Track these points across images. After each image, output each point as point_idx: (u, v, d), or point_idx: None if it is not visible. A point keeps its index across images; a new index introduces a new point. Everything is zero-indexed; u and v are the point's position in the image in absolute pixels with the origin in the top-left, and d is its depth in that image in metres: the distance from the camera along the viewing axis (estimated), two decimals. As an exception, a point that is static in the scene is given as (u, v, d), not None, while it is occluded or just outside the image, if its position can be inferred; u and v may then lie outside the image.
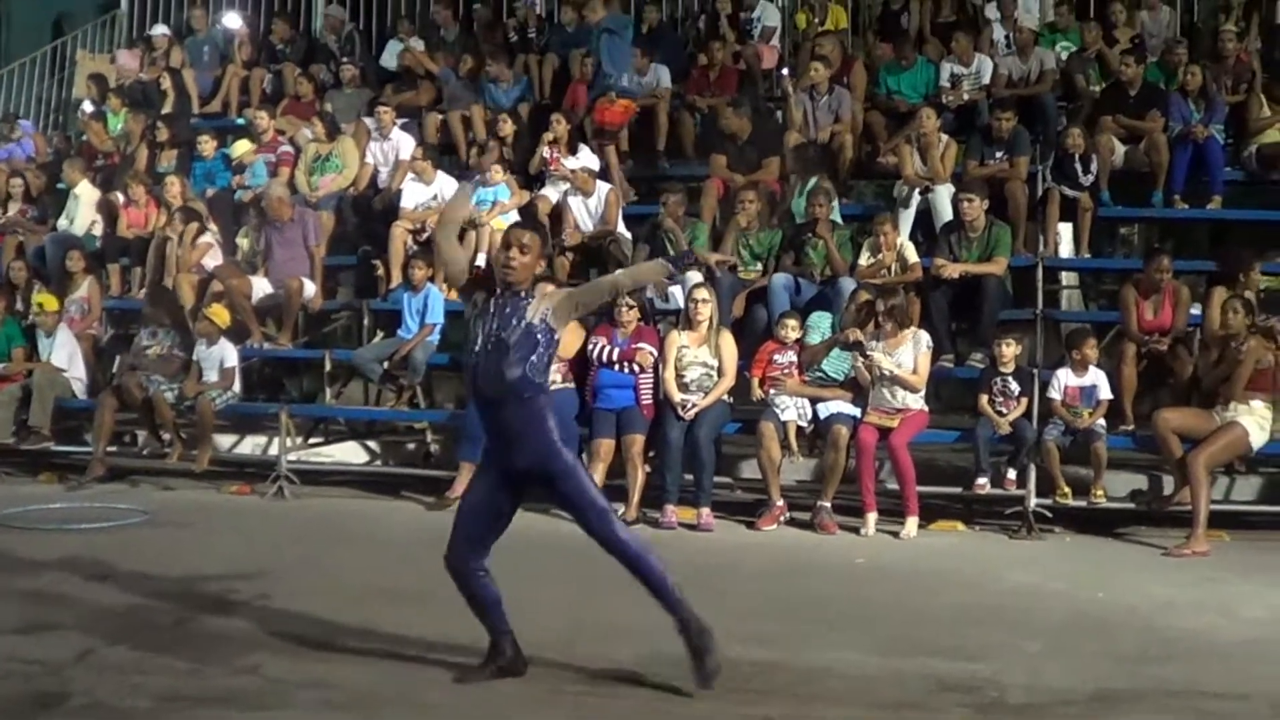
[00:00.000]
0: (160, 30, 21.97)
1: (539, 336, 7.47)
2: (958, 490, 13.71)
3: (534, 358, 7.47)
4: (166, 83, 20.40)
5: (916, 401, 13.06)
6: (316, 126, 18.27)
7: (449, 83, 19.21)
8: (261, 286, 16.47)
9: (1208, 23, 20.01)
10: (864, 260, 14.66)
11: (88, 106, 20.96)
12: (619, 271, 7.66)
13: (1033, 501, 12.87)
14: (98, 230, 18.29)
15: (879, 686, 7.77)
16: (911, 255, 14.62)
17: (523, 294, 7.56)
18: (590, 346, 13.68)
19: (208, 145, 18.72)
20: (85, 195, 18.55)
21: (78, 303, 17.00)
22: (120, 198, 18.16)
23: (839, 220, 15.39)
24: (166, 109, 20.06)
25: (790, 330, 13.59)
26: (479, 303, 7.71)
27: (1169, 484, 13.08)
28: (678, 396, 13.23)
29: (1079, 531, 12.95)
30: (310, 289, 16.48)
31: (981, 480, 13.03)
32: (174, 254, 16.97)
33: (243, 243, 17.30)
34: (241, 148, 18.31)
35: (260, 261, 16.69)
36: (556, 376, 13.43)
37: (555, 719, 7.08)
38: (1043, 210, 15.82)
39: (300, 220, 16.58)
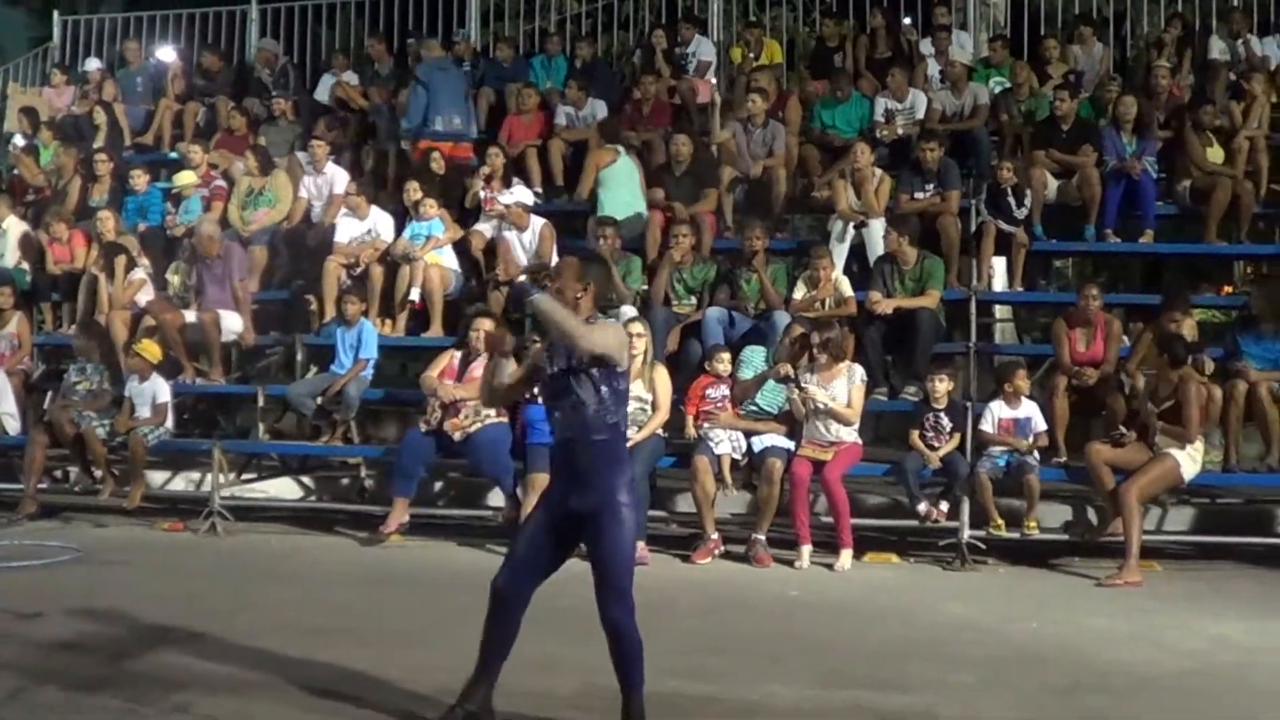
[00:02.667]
0: (94, 64, 21.89)
1: (597, 376, 7.28)
2: (892, 523, 13.78)
3: (598, 397, 7.30)
4: (100, 117, 20.31)
5: (850, 434, 13.09)
6: (250, 160, 18.19)
7: (382, 117, 19.17)
8: (190, 321, 16.34)
9: (1140, 58, 20.23)
10: (799, 294, 14.70)
11: (19, 140, 20.84)
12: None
13: (966, 533, 12.92)
14: (26, 266, 18.14)
15: (814, 720, 7.78)
16: (846, 289, 14.68)
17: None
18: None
19: (140, 179, 18.63)
20: (13, 230, 18.42)
21: (7, 338, 16.82)
22: (45, 234, 18.03)
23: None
24: (99, 143, 19.94)
25: (723, 364, 13.61)
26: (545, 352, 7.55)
27: (1101, 515, 13.15)
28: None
29: (1012, 563, 13.00)
30: (236, 323, 16.36)
31: (922, 506, 13.04)
32: (105, 290, 16.87)
33: (173, 279, 17.22)
34: (184, 179, 18.19)
35: (192, 297, 16.60)
36: (490, 414, 13.44)
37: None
38: (977, 244, 15.88)
39: (227, 255, 16.47)
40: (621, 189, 16.71)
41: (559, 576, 7.47)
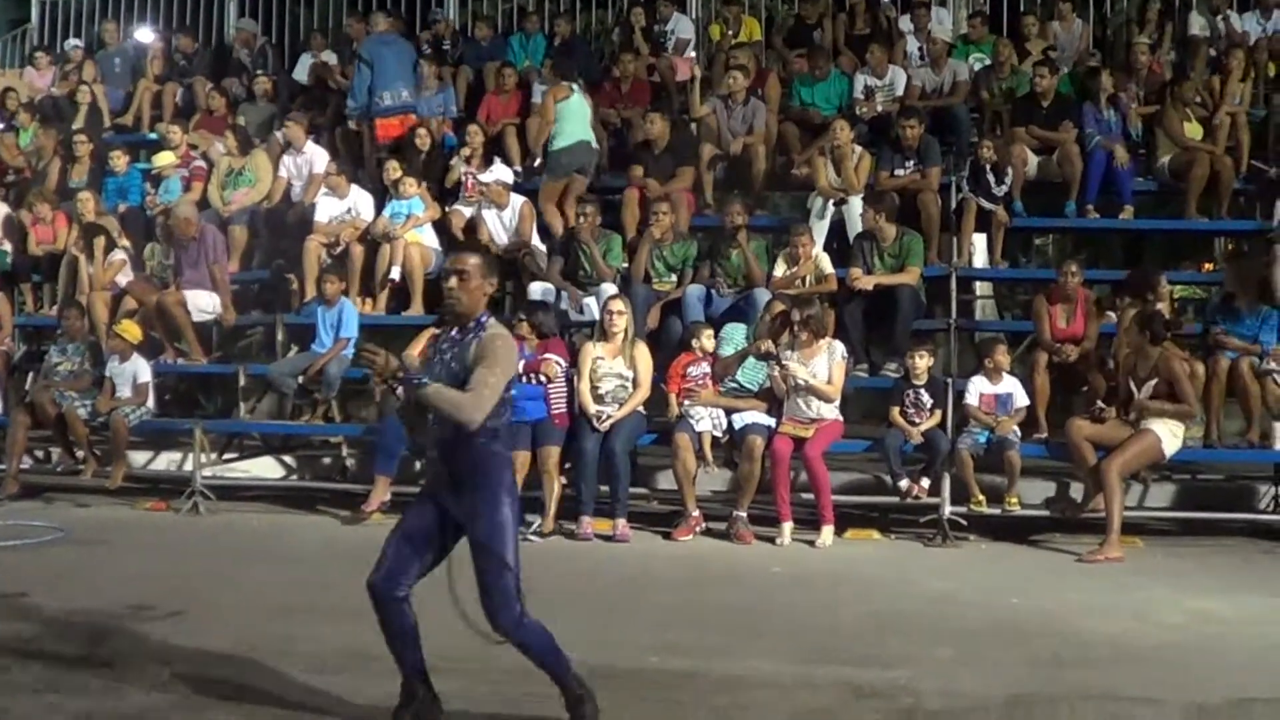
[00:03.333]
0: (75, 44, 21.82)
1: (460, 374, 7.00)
2: (873, 499, 13.82)
3: None
4: (84, 96, 20.25)
5: (831, 411, 13.11)
6: (229, 140, 18.14)
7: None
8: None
9: (1120, 35, 20.22)
10: (779, 271, 14.69)
11: (-3, 122, 20.80)
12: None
13: (947, 510, 12.96)
14: (8, 247, 18.10)
15: (796, 695, 7.77)
16: (826, 266, 14.68)
17: (471, 327, 7.10)
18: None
19: (119, 160, 18.59)
20: (-6, 211, 18.40)
21: (-12, 320, 16.84)
22: (28, 215, 17.98)
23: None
24: (78, 123, 19.88)
25: (705, 340, 13.61)
26: (432, 345, 7.41)
27: (1082, 491, 13.17)
28: (593, 408, 13.25)
29: (994, 539, 13.04)
30: (209, 303, 16.33)
31: (904, 483, 13.08)
32: (85, 271, 16.84)
33: (151, 260, 17.20)
34: (164, 159, 18.15)
35: (170, 277, 16.57)
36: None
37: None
38: (958, 220, 15.89)
39: (202, 237, 16.43)
40: (573, 122, 16.81)
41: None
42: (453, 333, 7.21)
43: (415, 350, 14.08)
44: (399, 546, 7.25)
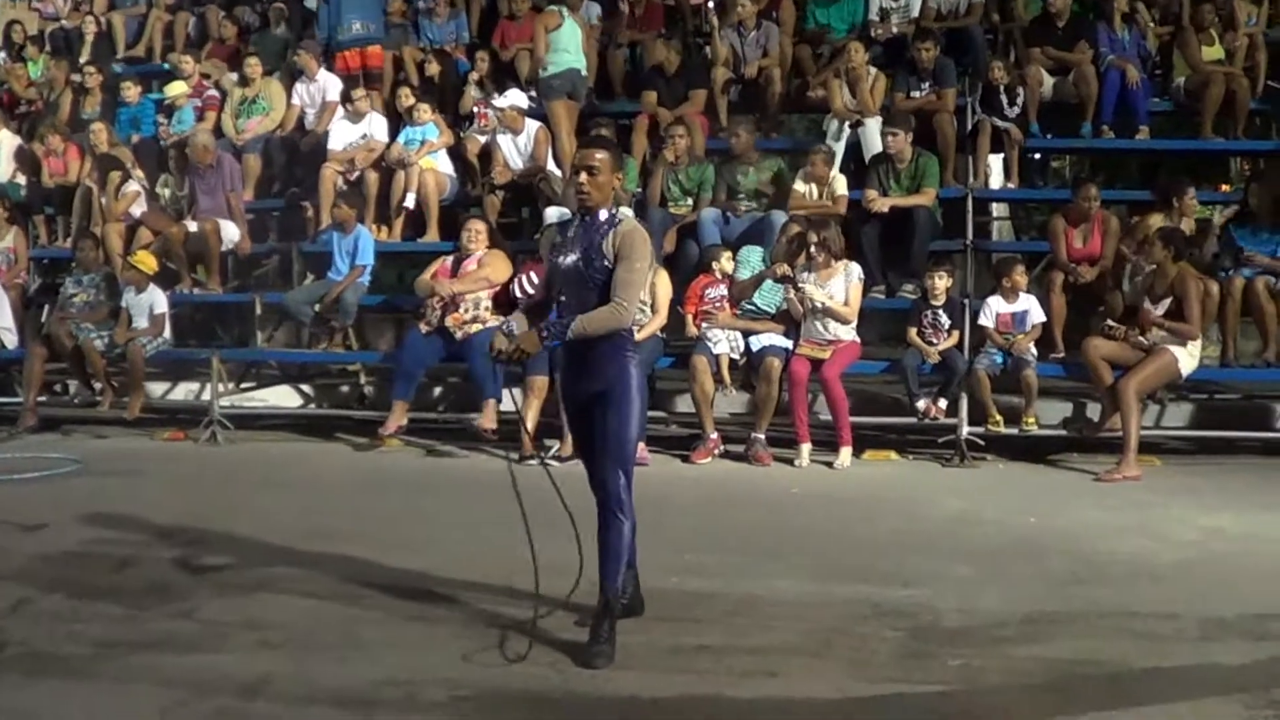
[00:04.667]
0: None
1: (606, 265, 7.12)
2: (891, 420, 13.84)
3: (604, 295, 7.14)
4: (89, 27, 20.20)
5: (848, 333, 13.10)
6: (243, 69, 18.10)
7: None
8: (190, 231, 16.32)
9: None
10: (799, 189, 14.64)
11: (4, 55, 20.75)
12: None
13: (965, 430, 12.97)
14: (21, 180, 18.09)
15: (814, 613, 7.79)
16: (841, 188, 14.63)
17: (604, 219, 7.21)
18: (516, 283, 13.64)
19: (131, 90, 18.56)
20: (6, 144, 18.40)
21: (4, 253, 16.83)
22: (40, 147, 17.98)
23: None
24: (85, 56, 19.85)
25: (725, 262, 13.60)
26: (557, 234, 7.45)
27: (1099, 411, 13.17)
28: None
29: (1011, 459, 13.06)
30: (233, 232, 16.35)
31: (921, 403, 13.10)
32: (99, 203, 16.85)
33: (164, 190, 17.21)
34: (176, 89, 18.14)
35: (185, 207, 16.58)
36: (487, 314, 13.48)
37: (488, 657, 7.05)
38: (973, 142, 15.83)
39: (219, 166, 16.44)
40: (565, 49, 16.67)
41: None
42: (584, 220, 7.30)
43: (429, 274, 14.10)
44: (586, 451, 7.45)
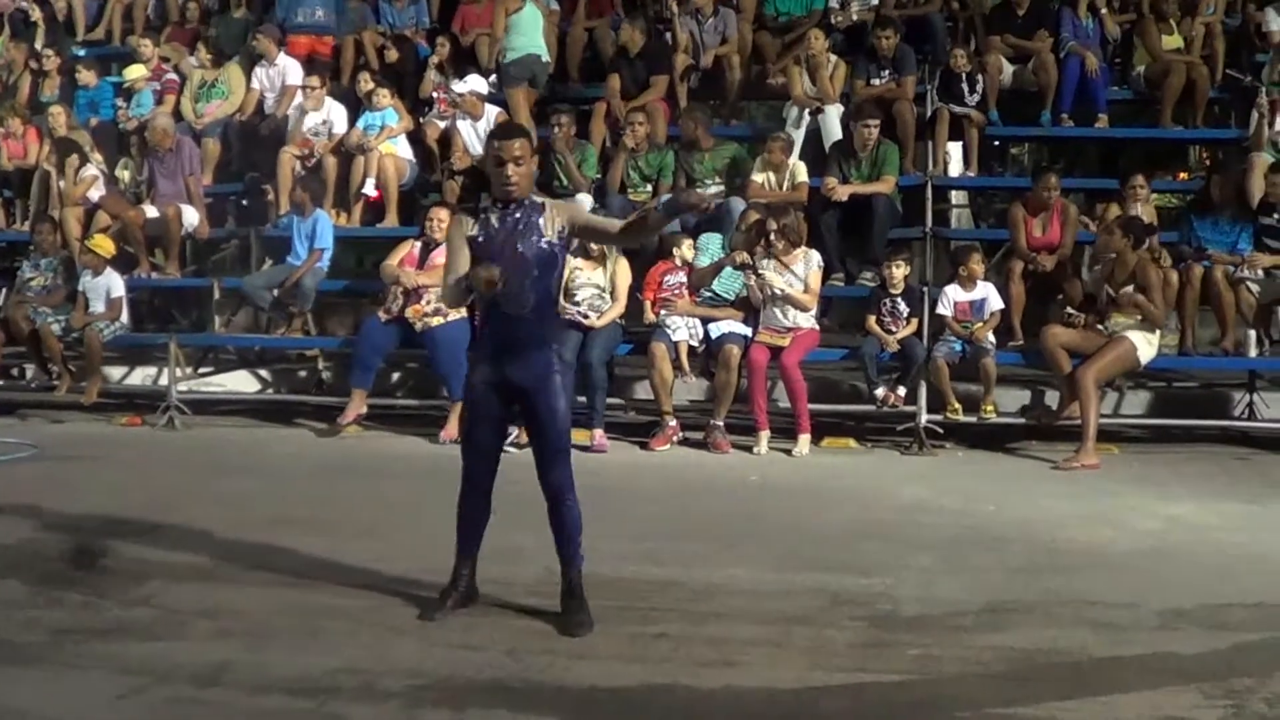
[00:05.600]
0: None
1: (558, 253, 7.34)
2: (850, 408, 13.85)
3: (555, 274, 7.40)
4: (35, 13, 20.12)
5: (807, 320, 13.11)
6: (201, 53, 18.04)
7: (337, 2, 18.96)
8: (150, 216, 16.25)
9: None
10: (757, 179, 14.65)
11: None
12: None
13: (924, 418, 12.99)
14: (-22, 162, 18.02)
15: (773, 602, 7.80)
16: (801, 175, 14.65)
17: (527, 204, 7.32)
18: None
19: (86, 73, 18.47)
20: (-35, 126, 18.28)
21: (-38, 237, 16.77)
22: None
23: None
24: (39, 40, 19.76)
25: (685, 249, 13.59)
26: (475, 221, 7.42)
27: (1058, 399, 13.21)
28: (571, 309, 13.15)
29: (970, 447, 13.12)
30: (192, 217, 16.27)
31: (880, 391, 13.10)
32: (57, 186, 16.78)
33: (123, 174, 17.14)
34: (135, 72, 18.05)
35: (145, 191, 16.51)
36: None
37: (446, 642, 7.05)
38: (932, 129, 15.87)
39: (179, 149, 16.37)
40: (525, 34, 16.81)
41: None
42: (505, 209, 7.35)
43: (395, 260, 14.06)
44: (480, 435, 7.52)
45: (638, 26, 16.65)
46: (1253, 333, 13.50)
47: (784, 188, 14.56)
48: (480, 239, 7.32)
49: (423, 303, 13.63)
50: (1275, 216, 13.54)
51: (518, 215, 7.29)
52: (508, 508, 7.41)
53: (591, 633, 7.18)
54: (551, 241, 7.26)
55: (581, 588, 7.38)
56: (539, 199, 7.40)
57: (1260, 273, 13.33)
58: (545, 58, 16.90)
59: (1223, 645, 7.00)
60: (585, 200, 14.52)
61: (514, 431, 12.66)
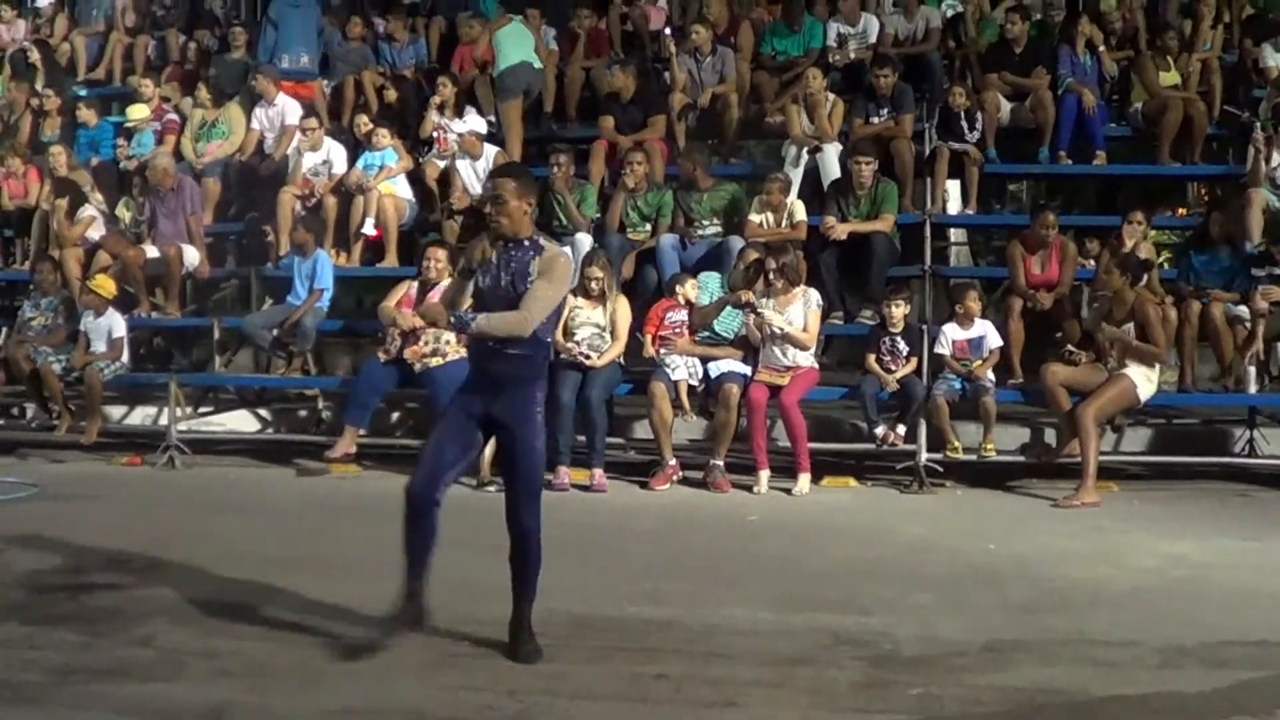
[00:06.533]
0: (46, -1, 21.80)
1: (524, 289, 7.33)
2: (850, 446, 13.85)
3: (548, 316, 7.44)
4: (35, 52, 20.16)
5: (807, 359, 13.12)
6: (201, 93, 18.09)
7: (333, 45, 19.00)
8: (150, 256, 16.25)
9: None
10: (755, 218, 14.68)
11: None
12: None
13: (923, 456, 12.98)
14: (-21, 201, 18.05)
15: (773, 642, 7.80)
16: (800, 214, 14.68)
17: (526, 244, 7.43)
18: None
19: (86, 112, 18.52)
20: (-36, 166, 18.31)
21: (-39, 275, 16.78)
22: (0, 169, 17.92)
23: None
24: (39, 81, 19.80)
25: (689, 289, 13.60)
26: (479, 257, 7.52)
27: (1057, 437, 13.21)
28: (574, 349, 13.18)
29: (970, 485, 13.11)
30: (193, 256, 16.28)
31: (880, 430, 13.10)
32: (56, 226, 16.80)
33: (124, 213, 17.14)
34: (138, 112, 18.08)
35: (145, 231, 16.52)
36: (448, 348, 13.42)
37: (446, 683, 7.05)
38: (931, 167, 15.91)
39: (180, 189, 16.39)
40: (513, 47, 16.98)
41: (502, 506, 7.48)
42: (506, 246, 7.46)
43: (393, 301, 14.07)
44: (438, 449, 7.59)
45: (629, 71, 16.70)
46: (1252, 369, 13.47)
47: (783, 228, 14.59)
48: (481, 272, 7.46)
49: (420, 344, 13.63)
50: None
51: (515, 254, 7.39)
52: (504, 547, 7.41)
53: (542, 659, 7.32)
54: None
55: (528, 617, 7.48)
56: (542, 242, 7.48)
57: (1265, 306, 13.30)
58: (538, 65, 17.08)
59: (1224, 683, 7.00)
60: (584, 240, 14.56)
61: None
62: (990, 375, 13.09)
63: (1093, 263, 14.27)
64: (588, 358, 13.16)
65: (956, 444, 13.03)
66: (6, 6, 22.02)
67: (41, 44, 20.42)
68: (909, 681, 7.07)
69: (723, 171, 15.78)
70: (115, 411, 16.19)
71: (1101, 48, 17.08)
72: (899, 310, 13.29)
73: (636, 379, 13.65)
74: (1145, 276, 13.00)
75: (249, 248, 17.33)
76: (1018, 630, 8.02)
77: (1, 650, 7.68)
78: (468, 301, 7.62)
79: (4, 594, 8.96)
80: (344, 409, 14.34)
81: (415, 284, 14.22)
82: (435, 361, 13.47)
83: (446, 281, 13.74)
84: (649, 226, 15.13)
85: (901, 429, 13.13)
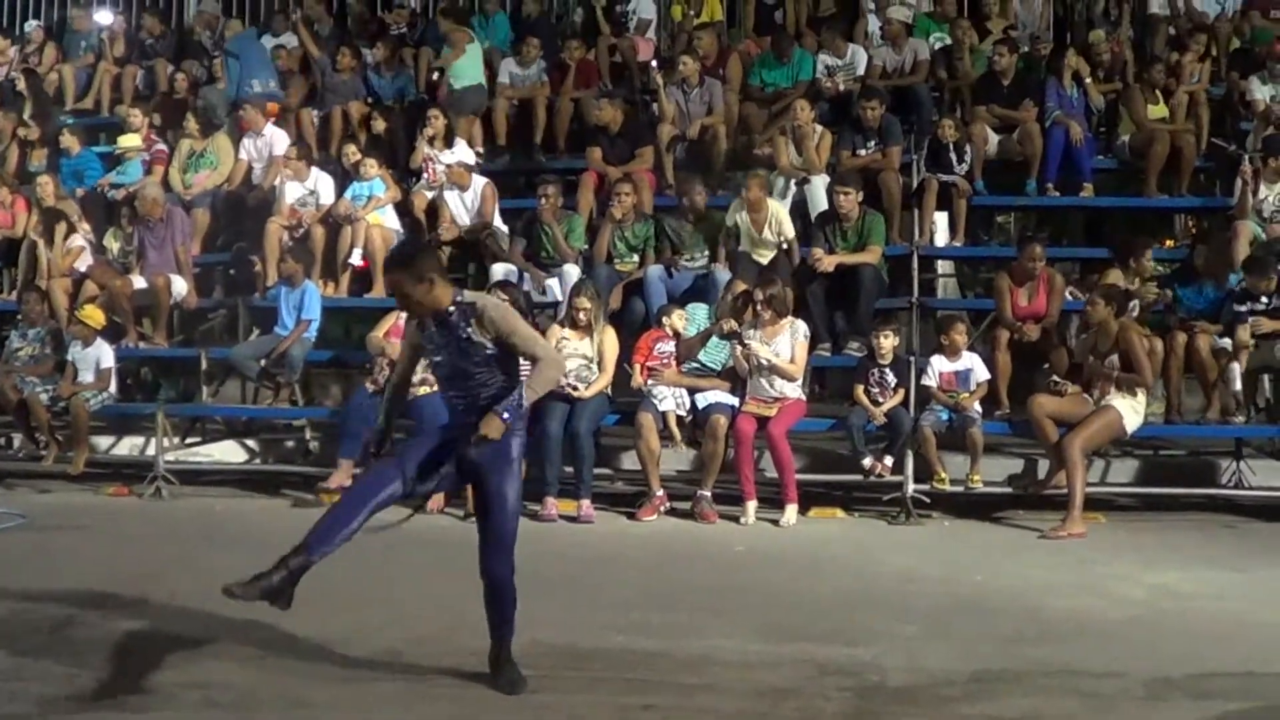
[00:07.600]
0: (34, 26, 21.76)
1: (502, 353, 7.32)
2: (837, 478, 13.83)
3: (509, 364, 7.39)
4: (21, 83, 20.17)
5: (794, 390, 13.12)
6: (190, 123, 18.09)
7: (326, 72, 19.01)
8: (138, 286, 16.26)
9: (1081, 13, 20.29)
10: (738, 220, 14.87)
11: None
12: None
13: (911, 487, 12.98)
14: (-33, 232, 18.04)
15: (761, 673, 7.79)
16: (789, 230, 14.75)
17: (452, 313, 7.27)
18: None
19: (69, 139, 18.51)
20: (-48, 197, 18.30)
21: (-50, 306, 16.76)
22: (-13, 198, 17.95)
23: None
24: (28, 111, 19.81)
25: (676, 319, 13.61)
26: (419, 336, 7.52)
27: (1044, 468, 13.22)
28: (563, 379, 13.19)
29: (957, 516, 13.10)
30: (180, 286, 16.28)
31: (867, 461, 13.10)
32: (44, 256, 16.79)
33: (111, 244, 17.13)
34: (129, 141, 18.11)
35: (133, 261, 16.52)
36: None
37: (433, 714, 7.05)
38: (919, 199, 15.94)
39: (169, 219, 16.40)
40: (468, 65, 17.95)
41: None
42: (442, 325, 7.36)
43: (381, 331, 14.07)
44: (405, 455, 7.55)
45: (616, 104, 16.77)
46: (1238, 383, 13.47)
47: (764, 228, 14.66)
48: (428, 346, 7.48)
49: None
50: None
51: (451, 325, 7.30)
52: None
53: (526, 689, 7.33)
54: (487, 347, 7.28)
55: (510, 649, 7.48)
56: (465, 300, 7.32)
57: (1251, 340, 13.32)
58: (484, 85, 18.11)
59: (1210, 714, 7.01)
60: (572, 271, 14.58)
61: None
62: (977, 407, 13.11)
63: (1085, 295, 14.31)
64: (575, 389, 13.16)
65: (944, 475, 13.03)
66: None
67: (29, 73, 20.42)
68: (896, 712, 7.08)
69: (710, 203, 15.80)
70: (102, 442, 16.14)
71: (1089, 80, 17.14)
72: (888, 342, 13.31)
73: (624, 410, 13.66)
74: (1130, 305, 13.05)
75: (237, 278, 17.32)
76: (1005, 661, 8.02)
77: (-13, 682, 7.68)
78: (419, 375, 7.59)
79: (-10, 624, 8.95)
80: (338, 442, 14.28)
81: (403, 315, 14.21)
82: (423, 391, 13.45)
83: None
84: (636, 257, 15.17)
85: (889, 460, 13.13)
